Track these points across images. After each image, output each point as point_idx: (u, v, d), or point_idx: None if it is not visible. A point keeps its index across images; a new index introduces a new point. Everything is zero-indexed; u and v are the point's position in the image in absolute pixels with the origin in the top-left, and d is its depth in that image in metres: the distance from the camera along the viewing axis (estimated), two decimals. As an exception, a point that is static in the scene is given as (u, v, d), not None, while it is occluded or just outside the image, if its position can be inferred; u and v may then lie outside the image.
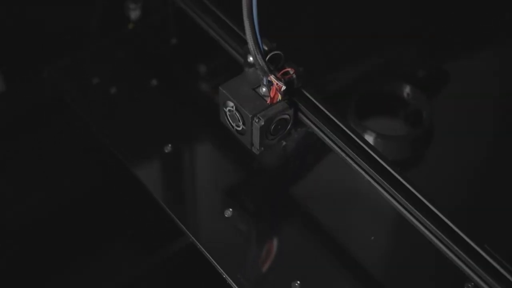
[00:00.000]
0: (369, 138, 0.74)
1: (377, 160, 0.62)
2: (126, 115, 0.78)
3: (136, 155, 0.75)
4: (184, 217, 0.70)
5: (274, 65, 0.63)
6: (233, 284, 0.66)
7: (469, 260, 0.57)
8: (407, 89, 0.78)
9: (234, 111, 0.63)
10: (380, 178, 0.61)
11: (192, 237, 0.68)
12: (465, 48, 0.84)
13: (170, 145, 0.75)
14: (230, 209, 0.70)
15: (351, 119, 0.75)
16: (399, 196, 0.60)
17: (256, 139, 0.63)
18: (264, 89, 0.63)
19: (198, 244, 0.68)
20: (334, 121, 0.63)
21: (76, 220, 0.81)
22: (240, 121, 0.64)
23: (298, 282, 0.66)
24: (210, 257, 0.67)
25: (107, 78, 0.80)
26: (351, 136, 0.63)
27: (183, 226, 0.69)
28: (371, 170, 0.62)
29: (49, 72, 0.81)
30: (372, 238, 0.68)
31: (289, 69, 0.63)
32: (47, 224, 0.80)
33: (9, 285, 0.78)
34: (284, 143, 0.70)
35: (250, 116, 0.62)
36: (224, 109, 0.64)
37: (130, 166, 0.74)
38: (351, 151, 0.62)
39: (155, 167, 0.75)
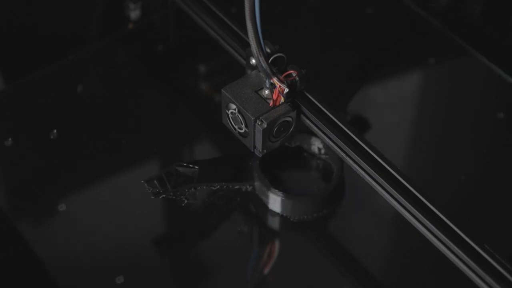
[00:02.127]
0: (276, 199, 0.69)
1: (378, 161, 0.62)
2: (19, 170, 0.73)
3: (24, 212, 0.71)
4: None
5: (277, 68, 0.63)
6: None
7: (469, 260, 0.57)
8: (317, 143, 0.73)
9: (237, 114, 0.63)
10: (380, 178, 0.61)
11: None
12: (465, 48, 0.84)
13: (64, 204, 0.71)
14: (122, 276, 0.66)
15: (256, 175, 0.70)
16: (399, 196, 0.60)
17: (258, 142, 0.63)
18: (266, 92, 0.63)
19: None
20: (337, 123, 0.63)
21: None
22: (243, 123, 0.63)
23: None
24: None
25: (3, 130, 0.76)
26: (354, 139, 0.63)
27: None
28: (372, 171, 0.62)
29: None
30: None
31: (291, 72, 0.63)
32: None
33: (9, 285, 0.77)
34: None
35: (253, 118, 0.62)
36: (227, 111, 0.64)
37: (17, 224, 0.70)
38: (352, 152, 0.63)
39: (44, 226, 0.70)
